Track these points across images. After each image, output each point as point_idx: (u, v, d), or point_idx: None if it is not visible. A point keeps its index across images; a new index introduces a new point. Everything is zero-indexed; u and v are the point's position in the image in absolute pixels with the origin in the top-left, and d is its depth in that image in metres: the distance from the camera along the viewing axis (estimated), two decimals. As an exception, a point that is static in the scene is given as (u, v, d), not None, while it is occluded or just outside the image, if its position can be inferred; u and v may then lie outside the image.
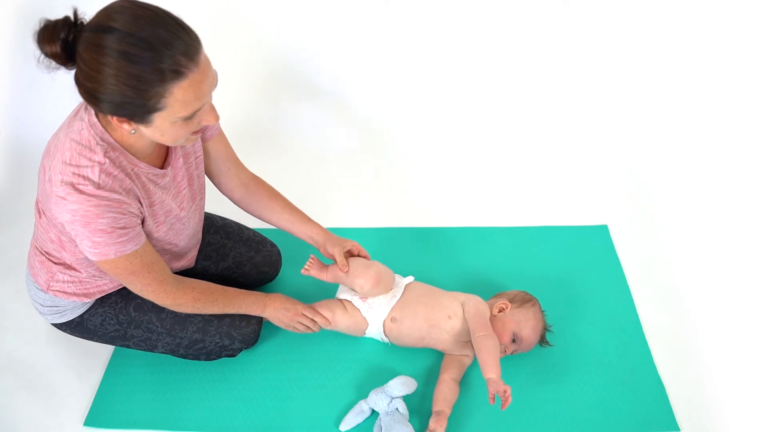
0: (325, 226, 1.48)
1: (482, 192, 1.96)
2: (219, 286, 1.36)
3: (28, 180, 1.98)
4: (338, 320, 1.45)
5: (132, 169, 1.12)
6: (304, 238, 1.47)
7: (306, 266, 1.46)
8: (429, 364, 1.47)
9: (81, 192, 1.04)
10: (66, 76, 1.02)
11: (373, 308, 1.44)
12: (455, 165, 2.06)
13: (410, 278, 1.50)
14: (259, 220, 1.57)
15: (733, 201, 1.85)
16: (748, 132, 1.98)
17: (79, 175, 1.04)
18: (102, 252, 1.11)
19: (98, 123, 1.07)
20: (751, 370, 1.45)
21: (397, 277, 1.50)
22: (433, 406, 1.35)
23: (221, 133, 1.36)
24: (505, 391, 1.23)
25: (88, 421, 1.40)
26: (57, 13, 0.98)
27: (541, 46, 2.04)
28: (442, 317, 1.42)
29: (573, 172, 2.01)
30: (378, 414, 1.35)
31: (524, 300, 1.46)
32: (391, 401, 1.33)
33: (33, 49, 0.97)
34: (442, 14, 2.00)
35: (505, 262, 1.71)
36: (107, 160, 1.06)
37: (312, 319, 1.43)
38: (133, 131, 1.04)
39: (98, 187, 1.05)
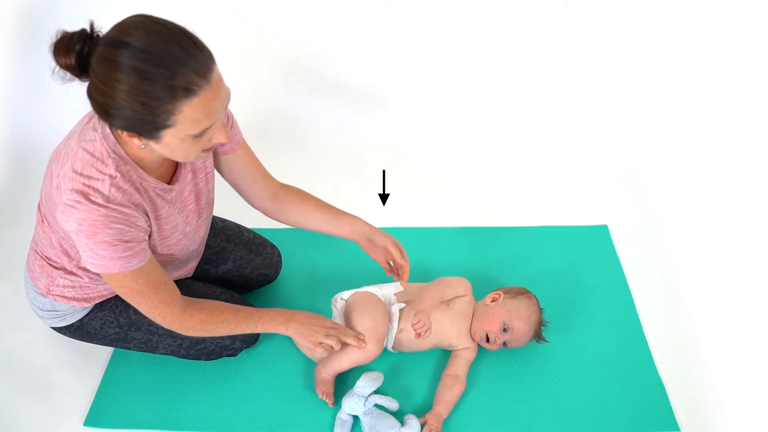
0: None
1: (483, 192, 1.96)
2: (230, 306, 1.30)
3: (29, 180, 1.98)
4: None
5: (141, 183, 1.11)
6: (345, 235, 1.39)
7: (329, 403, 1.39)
8: (432, 361, 1.47)
9: (91, 202, 1.04)
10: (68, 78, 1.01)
11: None
12: (455, 165, 2.06)
13: (400, 305, 1.45)
14: (260, 222, 1.57)
15: (734, 201, 1.85)
16: (747, 132, 1.98)
17: (89, 186, 1.04)
18: (105, 265, 1.09)
19: (111, 135, 1.06)
20: (751, 370, 1.45)
21: (390, 307, 1.46)
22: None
23: (244, 146, 1.32)
24: None
25: (88, 421, 1.40)
26: (58, 14, 0.98)
27: (541, 47, 2.04)
28: (445, 303, 1.45)
29: (573, 172, 2.01)
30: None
31: (519, 292, 1.46)
32: (366, 401, 1.33)
33: (48, 59, 0.96)
34: (444, 16, 2.00)
35: (505, 261, 1.71)
36: (118, 174, 1.06)
37: (337, 339, 1.31)
38: (143, 146, 1.03)
39: (107, 200, 1.05)
